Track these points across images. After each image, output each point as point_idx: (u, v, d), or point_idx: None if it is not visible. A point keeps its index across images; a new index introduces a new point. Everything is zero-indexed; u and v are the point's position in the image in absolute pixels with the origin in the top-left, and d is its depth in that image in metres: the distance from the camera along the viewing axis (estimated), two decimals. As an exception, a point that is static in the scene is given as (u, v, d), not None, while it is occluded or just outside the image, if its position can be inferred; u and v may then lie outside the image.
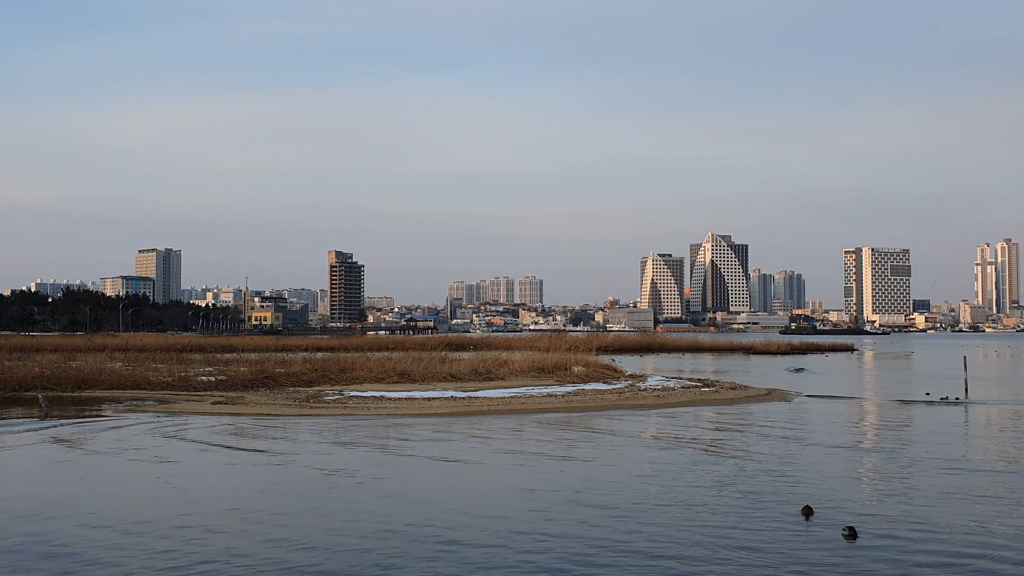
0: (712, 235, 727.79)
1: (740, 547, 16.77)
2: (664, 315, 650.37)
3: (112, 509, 20.59)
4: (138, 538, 17.62)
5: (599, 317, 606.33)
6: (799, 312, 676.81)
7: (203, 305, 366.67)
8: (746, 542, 17.21)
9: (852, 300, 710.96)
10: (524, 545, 17.08)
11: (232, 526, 18.70)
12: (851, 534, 17.33)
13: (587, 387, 51.92)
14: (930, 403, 47.82)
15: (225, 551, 16.65)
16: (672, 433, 34.87)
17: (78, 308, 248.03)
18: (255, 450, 29.84)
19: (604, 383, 54.89)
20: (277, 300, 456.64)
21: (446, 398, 45.26)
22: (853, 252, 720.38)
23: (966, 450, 30.31)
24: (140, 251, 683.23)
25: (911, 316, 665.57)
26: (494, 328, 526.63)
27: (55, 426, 36.54)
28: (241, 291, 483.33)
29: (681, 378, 60.76)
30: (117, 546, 17.04)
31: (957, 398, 50.08)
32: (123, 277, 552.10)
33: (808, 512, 19.22)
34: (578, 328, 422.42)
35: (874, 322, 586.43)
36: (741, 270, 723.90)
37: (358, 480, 24.07)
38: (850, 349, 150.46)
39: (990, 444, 32.50)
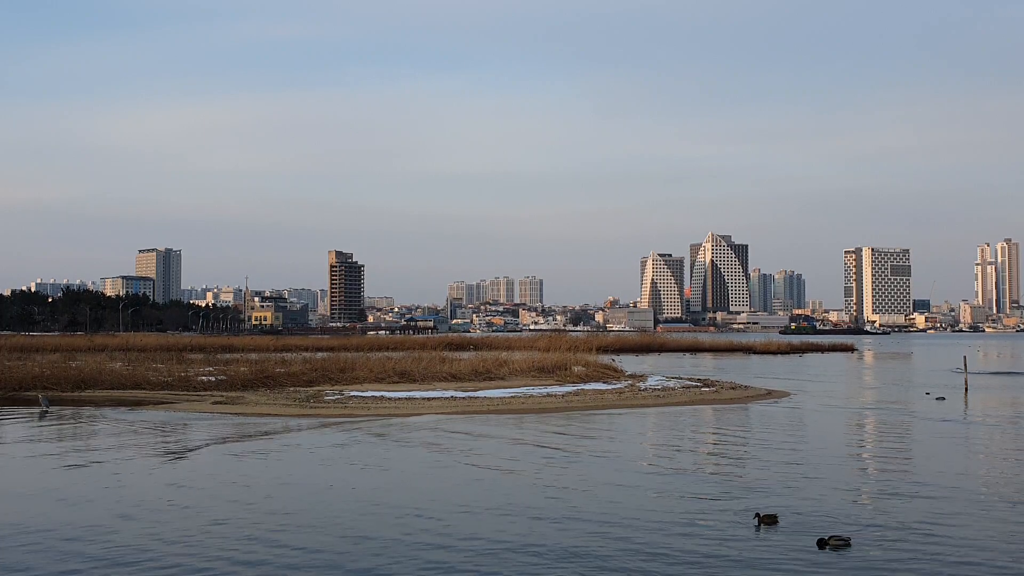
0: (712, 235, 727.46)
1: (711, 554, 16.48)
2: (664, 315, 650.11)
3: (109, 509, 20.62)
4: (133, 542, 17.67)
5: (599, 317, 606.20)
6: (799, 312, 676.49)
7: (203, 305, 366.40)
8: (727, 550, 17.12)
9: (852, 300, 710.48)
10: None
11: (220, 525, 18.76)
12: (843, 543, 16.91)
13: (587, 387, 51.90)
14: (929, 403, 47.84)
15: (215, 551, 16.71)
16: (668, 435, 34.90)
17: (78, 308, 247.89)
18: (254, 450, 29.85)
19: (604, 383, 54.88)
20: (277, 300, 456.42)
21: (446, 398, 45.27)
22: (853, 252, 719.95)
23: (965, 452, 30.27)
24: (140, 251, 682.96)
25: (911, 316, 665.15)
26: (494, 328, 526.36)
27: (53, 423, 36.60)
28: (241, 291, 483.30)
29: (681, 378, 60.75)
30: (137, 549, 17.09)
31: (943, 397, 50.20)
32: (123, 277, 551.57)
33: (771, 520, 18.55)
34: (578, 328, 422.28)
35: (874, 322, 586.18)
36: (741, 270, 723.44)
37: (355, 482, 24.10)
38: (850, 349, 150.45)
39: (989, 445, 32.41)
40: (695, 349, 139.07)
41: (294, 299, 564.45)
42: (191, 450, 29.77)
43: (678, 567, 15.73)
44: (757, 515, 18.77)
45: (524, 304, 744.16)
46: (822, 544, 16.94)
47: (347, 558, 16.20)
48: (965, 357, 69.92)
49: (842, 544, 16.92)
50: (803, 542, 17.17)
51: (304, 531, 18.15)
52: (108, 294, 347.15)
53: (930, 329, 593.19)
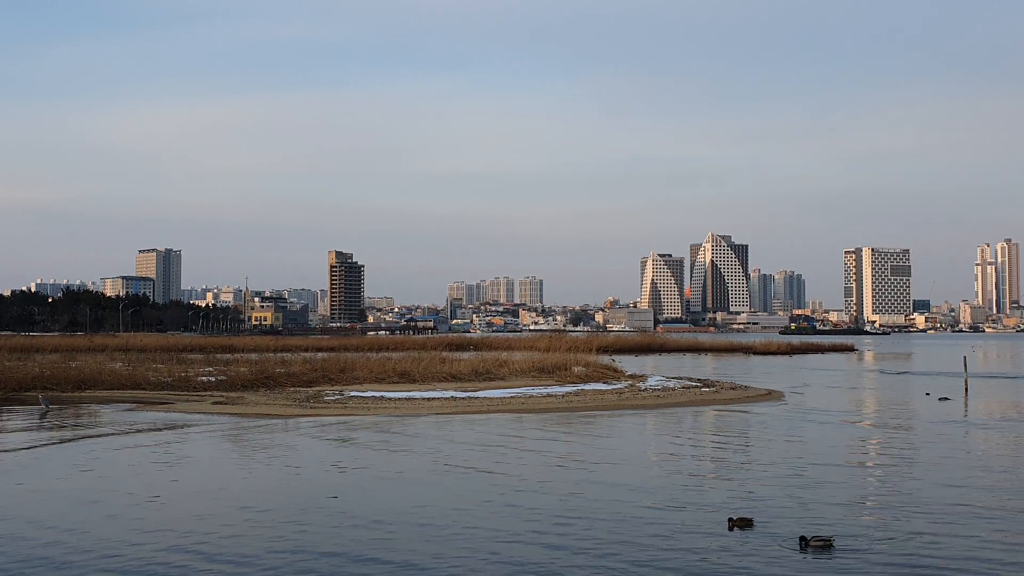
0: (712, 235, 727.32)
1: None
2: (664, 315, 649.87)
3: (118, 508, 20.61)
4: (143, 537, 17.69)
5: (599, 317, 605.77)
6: (799, 312, 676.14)
7: (203, 305, 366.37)
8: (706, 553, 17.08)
9: (852, 300, 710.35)
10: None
11: (229, 525, 18.74)
12: (825, 545, 16.73)
13: (587, 387, 51.89)
14: (928, 404, 47.79)
15: (227, 552, 16.72)
16: (665, 436, 34.89)
17: (78, 308, 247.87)
18: (255, 450, 29.85)
19: (604, 383, 54.86)
20: (277, 300, 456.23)
21: (446, 398, 45.26)
22: (853, 252, 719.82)
23: (963, 457, 30.04)
24: (140, 251, 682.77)
25: (911, 316, 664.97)
26: (494, 328, 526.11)
27: (54, 427, 36.59)
28: (241, 291, 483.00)
29: (681, 378, 60.71)
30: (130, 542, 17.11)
31: (947, 398, 50.14)
32: (123, 277, 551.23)
33: (745, 524, 18.28)
34: (578, 328, 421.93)
35: (874, 322, 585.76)
36: (741, 270, 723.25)
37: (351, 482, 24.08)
38: (850, 349, 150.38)
39: (988, 450, 32.22)
40: (695, 349, 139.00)
41: (294, 299, 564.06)
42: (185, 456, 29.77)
43: (648, 568, 15.64)
44: (730, 519, 18.54)
45: (524, 304, 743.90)
46: (804, 544, 16.73)
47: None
48: (965, 358, 69.70)
49: (824, 545, 16.68)
50: (778, 545, 16.91)
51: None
52: (108, 294, 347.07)
53: (930, 329, 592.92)
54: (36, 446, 30.77)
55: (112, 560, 16.10)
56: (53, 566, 15.74)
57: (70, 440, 32.41)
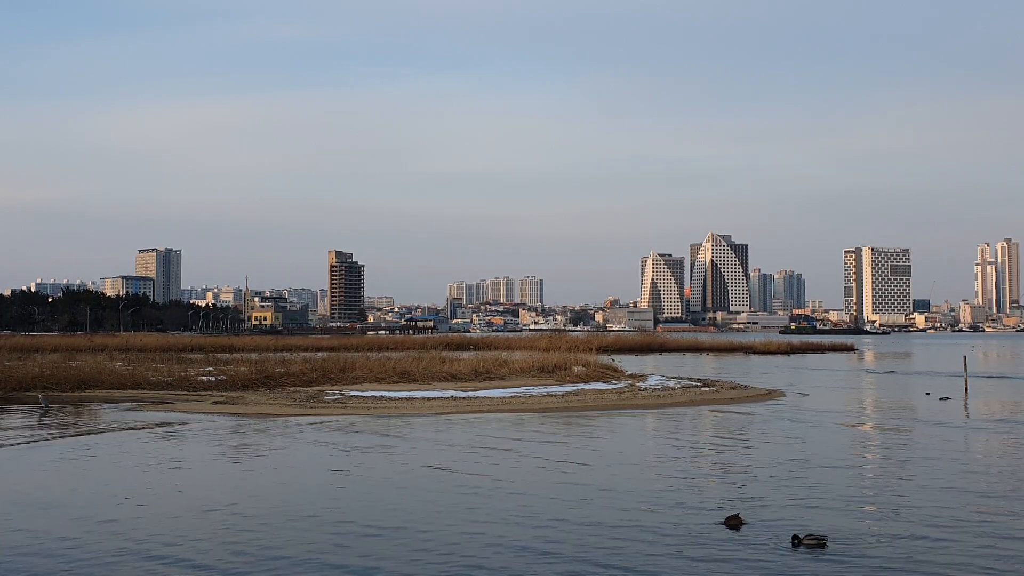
0: (712, 235, 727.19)
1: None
2: (664, 315, 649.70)
3: (117, 509, 20.59)
4: (139, 542, 17.67)
5: (599, 317, 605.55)
6: (799, 312, 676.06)
7: (203, 305, 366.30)
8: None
9: (852, 300, 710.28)
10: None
11: (225, 526, 18.74)
12: (819, 544, 16.63)
13: (587, 387, 51.88)
14: (928, 404, 47.76)
15: (221, 553, 16.70)
16: (664, 436, 34.89)
17: (78, 308, 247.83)
18: (251, 451, 29.85)
19: (604, 383, 54.85)
20: (277, 300, 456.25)
21: (446, 398, 45.27)
22: (853, 252, 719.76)
23: (962, 458, 30.03)
24: (140, 251, 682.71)
25: (911, 316, 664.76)
26: (494, 328, 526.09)
27: (56, 425, 36.60)
28: (241, 291, 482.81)
29: (681, 378, 60.70)
30: (120, 548, 17.09)
31: (948, 397, 50.13)
32: (123, 277, 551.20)
33: (735, 523, 18.21)
34: (578, 328, 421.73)
35: (874, 322, 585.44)
36: (741, 270, 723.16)
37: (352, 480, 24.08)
38: (850, 349, 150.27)
39: (987, 452, 32.16)
40: (695, 349, 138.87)
41: (294, 299, 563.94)
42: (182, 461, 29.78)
43: (642, 568, 15.61)
44: (725, 518, 18.50)
45: (524, 304, 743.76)
46: (796, 542, 16.65)
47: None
48: (965, 357, 69.61)
49: (817, 544, 16.59)
50: (771, 544, 16.89)
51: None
52: (108, 294, 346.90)
53: (930, 329, 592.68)
54: (27, 443, 30.77)
55: (61, 561, 15.98)
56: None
57: (67, 439, 32.45)
